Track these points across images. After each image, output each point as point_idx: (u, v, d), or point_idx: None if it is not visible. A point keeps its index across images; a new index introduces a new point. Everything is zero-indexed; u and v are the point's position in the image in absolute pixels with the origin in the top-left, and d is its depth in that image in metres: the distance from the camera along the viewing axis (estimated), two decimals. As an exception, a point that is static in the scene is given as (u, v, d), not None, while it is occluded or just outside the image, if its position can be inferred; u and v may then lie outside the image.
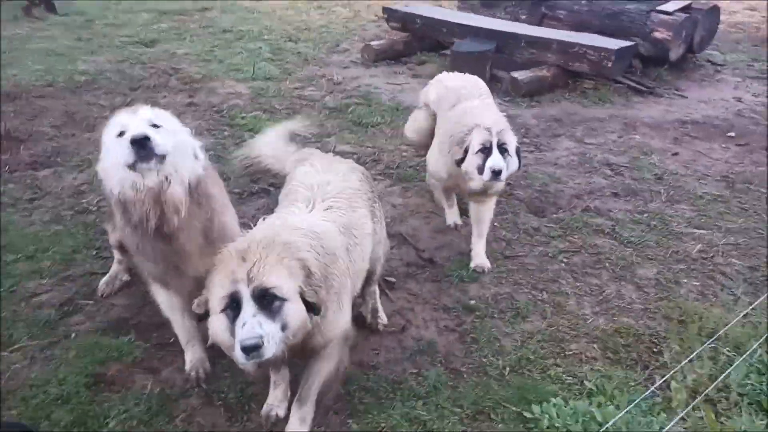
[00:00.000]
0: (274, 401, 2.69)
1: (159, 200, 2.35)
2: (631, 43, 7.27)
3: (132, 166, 2.30)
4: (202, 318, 2.18)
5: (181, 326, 2.84)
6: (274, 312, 2.01)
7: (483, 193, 3.77)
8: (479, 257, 3.86)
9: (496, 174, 3.49)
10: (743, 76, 8.03)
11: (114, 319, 3.30)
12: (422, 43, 8.62)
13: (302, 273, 2.11)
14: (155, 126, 2.39)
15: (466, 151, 3.59)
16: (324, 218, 2.51)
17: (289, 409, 2.59)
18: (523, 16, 8.73)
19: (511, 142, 3.68)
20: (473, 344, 3.20)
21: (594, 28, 7.91)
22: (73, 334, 3.17)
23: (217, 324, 2.07)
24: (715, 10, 8.28)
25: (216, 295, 2.05)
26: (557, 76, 7.27)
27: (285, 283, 2.04)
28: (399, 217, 4.47)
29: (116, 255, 3.53)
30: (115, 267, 3.57)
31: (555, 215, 4.56)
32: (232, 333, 2.00)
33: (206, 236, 2.52)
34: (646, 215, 4.56)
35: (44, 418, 2.61)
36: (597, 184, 5.05)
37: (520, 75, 7.06)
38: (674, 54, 7.63)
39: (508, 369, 3.05)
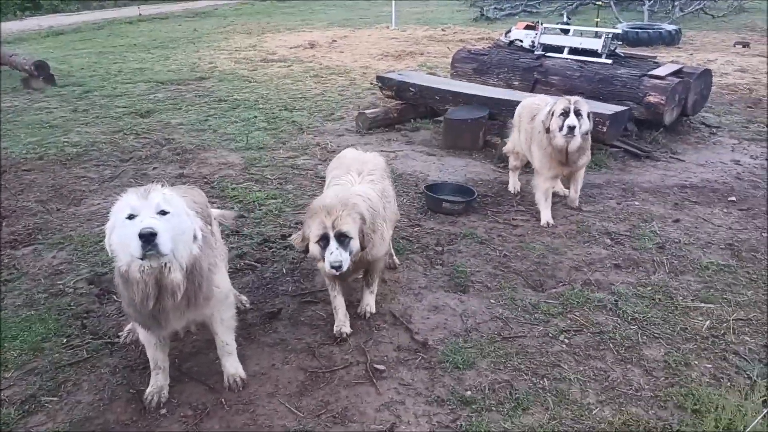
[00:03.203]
0: (341, 323, 3.77)
1: (160, 283, 2.68)
2: (625, 107, 7.24)
3: (139, 257, 2.54)
4: (304, 249, 3.51)
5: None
6: (345, 245, 3.30)
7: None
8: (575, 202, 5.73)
9: None
10: (739, 138, 7.98)
11: (78, 419, 3.04)
12: (416, 111, 8.64)
13: (360, 222, 3.37)
14: (163, 213, 2.61)
15: (551, 115, 5.13)
16: (369, 186, 3.77)
17: (351, 327, 3.80)
18: (516, 83, 8.80)
19: None
20: (469, 443, 2.92)
21: (587, 93, 7.90)
22: (30, 439, 2.91)
23: (315, 248, 3.37)
24: (707, 73, 8.32)
25: (314, 233, 3.33)
26: (552, 141, 7.20)
27: (352, 228, 3.31)
28: (389, 294, 4.26)
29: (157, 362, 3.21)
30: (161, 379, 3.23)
31: (554, 289, 4.34)
32: (322, 255, 3.32)
33: (192, 300, 2.83)
34: (649, 288, 4.34)
35: None
36: (597, 255, 4.85)
37: (514, 141, 6.98)
38: (668, 117, 7.60)
39: (507, 471, 2.77)
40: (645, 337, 3.77)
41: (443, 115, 7.84)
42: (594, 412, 3.14)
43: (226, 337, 3.28)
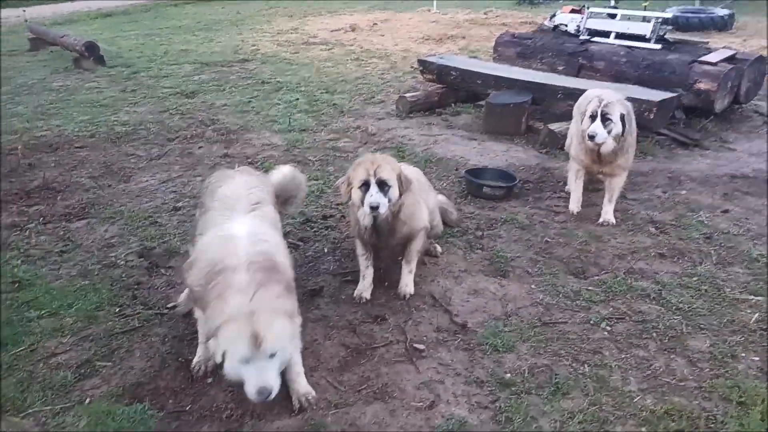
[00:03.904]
0: (363, 288, 4.03)
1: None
2: (674, 94, 7.03)
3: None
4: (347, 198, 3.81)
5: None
6: (385, 192, 3.62)
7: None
8: (607, 214, 5.13)
9: None
10: (795, 128, 7.68)
11: (131, 384, 3.18)
12: (457, 95, 8.59)
13: (399, 172, 3.71)
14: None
15: (592, 118, 4.81)
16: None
17: (371, 294, 4.04)
18: (561, 68, 8.64)
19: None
20: (508, 424, 2.93)
21: (633, 79, 7.74)
22: (87, 400, 3.05)
23: (356, 194, 3.67)
24: (760, 60, 8.03)
25: (357, 179, 3.64)
26: (596, 128, 7.06)
27: (391, 177, 3.65)
28: (429, 275, 4.29)
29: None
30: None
31: (597, 277, 4.29)
32: (362, 199, 3.62)
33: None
34: (695, 279, 4.25)
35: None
36: (641, 244, 4.77)
37: (557, 127, 6.89)
38: (719, 105, 7.37)
39: (546, 453, 2.78)
40: (690, 328, 3.71)
41: (485, 100, 7.77)
42: (635, 400, 3.12)
43: None
